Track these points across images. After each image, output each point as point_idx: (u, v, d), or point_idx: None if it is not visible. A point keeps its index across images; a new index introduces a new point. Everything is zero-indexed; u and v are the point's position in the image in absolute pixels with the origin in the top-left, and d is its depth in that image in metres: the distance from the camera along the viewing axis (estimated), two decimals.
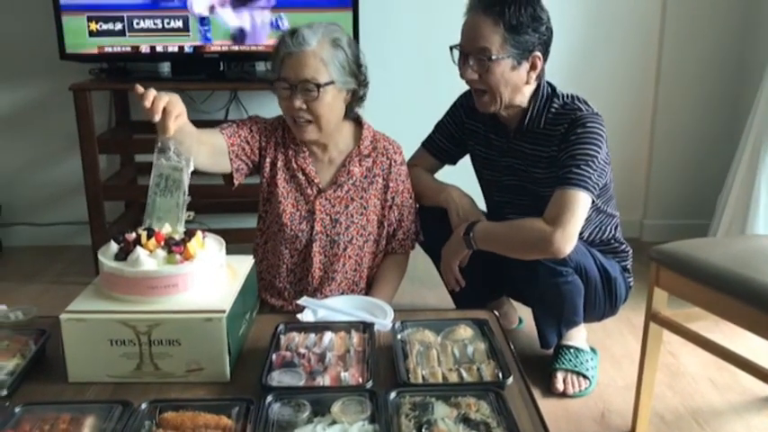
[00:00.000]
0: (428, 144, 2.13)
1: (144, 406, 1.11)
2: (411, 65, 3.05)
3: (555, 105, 1.87)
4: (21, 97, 3.06)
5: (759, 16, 2.98)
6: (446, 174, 2.14)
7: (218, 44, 2.72)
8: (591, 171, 1.77)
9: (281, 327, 1.39)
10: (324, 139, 1.82)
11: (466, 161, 2.14)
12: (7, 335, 1.36)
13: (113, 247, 1.32)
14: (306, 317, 1.52)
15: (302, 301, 1.58)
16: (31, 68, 3.00)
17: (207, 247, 1.35)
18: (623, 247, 2.06)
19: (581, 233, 1.80)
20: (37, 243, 3.20)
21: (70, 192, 3.08)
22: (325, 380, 1.21)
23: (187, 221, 1.40)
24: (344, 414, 1.09)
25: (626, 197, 2.93)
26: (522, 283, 2.00)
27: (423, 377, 1.23)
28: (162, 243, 1.30)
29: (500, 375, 1.22)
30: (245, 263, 1.47)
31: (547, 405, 1.91)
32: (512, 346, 1.39)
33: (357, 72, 1.79)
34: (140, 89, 1.43)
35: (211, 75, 2.80)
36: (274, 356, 1.27)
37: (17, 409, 1.11)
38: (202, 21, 2.68)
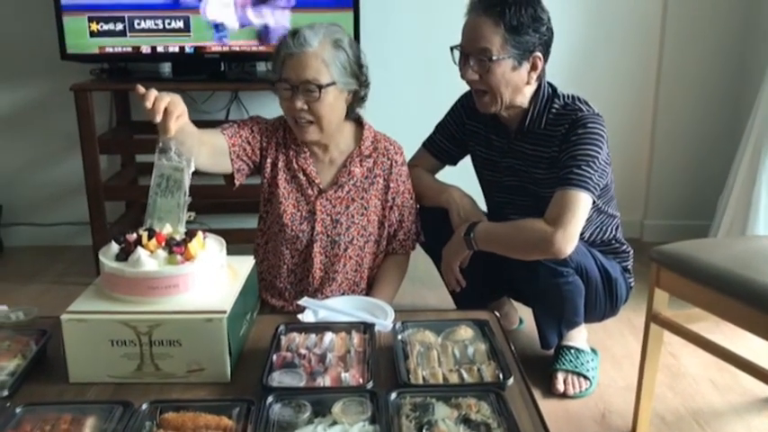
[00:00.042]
0: (429, 144, 2.13)
1: (145, 406, 1.11)
2: (411, 65, 3.06)
3: (556, 106, 1.87)
4: (22, 97, 3.07)
5: (759, 17, 2.98)
6: (447, 174, 2.14)
7: (219, 44, 2.72)
8: (592, 172, 1.77)
9: (282, 327, 1.39)
10: (325, 139, 1.82)
11: (466, 162, 2.14)
12: (8, 335, 1.37)
13: (114, 247, 1.32)
14: (306, 317, 1.53)
15: (303, 301, 1.58)
16: (32, 69, 3.01)
17: (208, 248, 1.35)
18: (624, 247, 2.06)
19: (582, 234, 1.80)
20: (38, 243, 3.20)
21: (71, 192, 3.09)
22: (325, 380, 1.21)
23: (188, 222, 1.40)
24: (345, 415, 1.09)
25: (627, 197, 2.93)
26: (522, 283, 2.00)
27: (423, 378, 1.23)
28: (163, 243, 1.30)
29: (501, 376, 1.22)
30: (246, 263, 1.47)
31: (547, 406, 1.91)
32: (512, 347, 1.39)
33: (358, 73, 1.79)
34: (142, 89, 1.43)
35: (212, 75, 2.80)
36: (275, 357, 1.27)
37: (18, 410, 1.11)
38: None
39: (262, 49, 2.72)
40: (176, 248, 1.29)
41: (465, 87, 1.94)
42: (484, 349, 1.32)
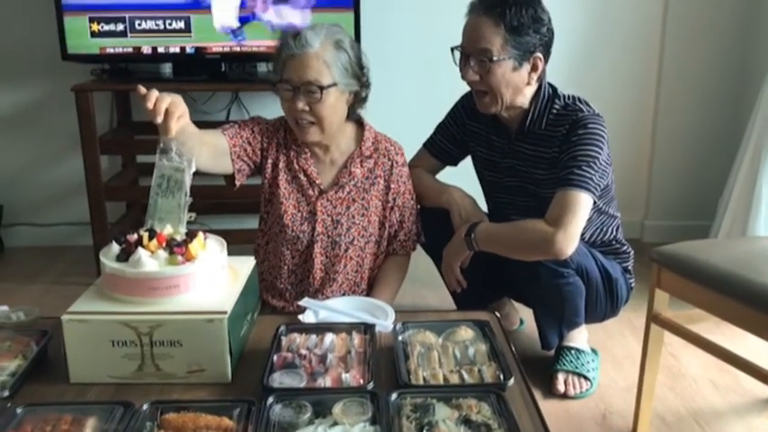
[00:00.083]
0: (429, 145, 2.13)
1: (145, 407, 1.11)
2: (412, 65, 3.06)
3: (556, 106, 1.87)
4: (23, 98, 3.07)
5: (760, 18, 2.98)
6: (447, 175, 2.14)
7: (220, 45, 2.72)
8: (592, 172, 1.77)
9: (283, 328, 1.39)
10: (326, 140, 1.83)
11: (467, 162, 2.14)
12: (9, 336, 1.37)
13: (115, 247, 1.32)
14: (307, 318, 1.53)
15: (303, 302, 1.58)
16: (33, 69, 3.01)
17: (208, 248, 1.36)
18: (624, 248, 2.06)
19: (582, 234, 1.80)
20: (38, 243, 3.20)
21: (72, 192, 3.09)
22: (326, 381, 1.21)
23: (189, 222, 1.40)
24: (346, 415, 1.09)
25: (627, 198, 2.93)
26: (523, 284, 2.00)
27: (424, 378, 1.23)
28: (163, 244, 1.30)
29: (501, 377, 1.22)
30: (247, 264, 1.47)
31: (548, 406, 1.91)
32: (513, 348, 1.39)
33: (359, 74, 1.79)
34: (143, 90, 1.43)
35: (213, 75, 2.80)
36: (275, 357, 1.27)
37: (19, 410, 1.11)
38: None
39: (263, 49, 2.72)
40: (177, 249, 1.29)
41: (465, 88, 1.94)
42: (484, 350, 1.32)
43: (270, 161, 1.86)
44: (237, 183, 1.83)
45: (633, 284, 2.06)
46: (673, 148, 3.20)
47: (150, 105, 1.41)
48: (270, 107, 2.58)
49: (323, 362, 1.26)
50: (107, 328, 1.23)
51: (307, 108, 1.74)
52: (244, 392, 1.20)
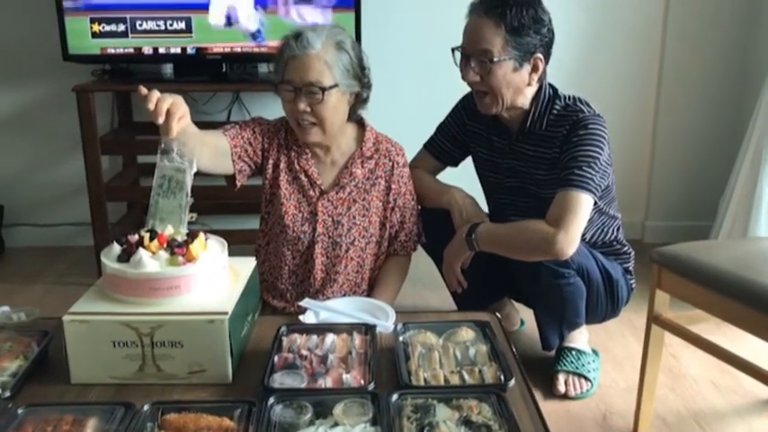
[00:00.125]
0: (430, 146, 2.13)
1: (146, 407, 1.11)
2: (412, 66, 3.06)
3: (557, 107, 1.87)
4: (24, 98, 3.07)
5: (761, 18, 2.98)
6: (448, 175, 2.14)
7: (221, 45, 2.72)
8: (593, 173, 1.77)
9: (283, 328, 1.39)
10: (327, 141, 1.83)
11: (468, 163, 2.14)
12: (10, 336, 1.37)
13: (116, 248, 1.32)
14: (308, 318, 1.53)
15: (304, 302, 1.59)
16: (34, 69, 3.01)
17: (209, 249, 1.36)
18: (625, 248, 2.06)
19: (583, 235, 1.80)
20: (39, 244, 3.20)
21: (73, 193, 3.09)
22: (326, 382, 1.21)
23: (190, 223, 1.40)
24: (346, 416, 1.09)
25: (628, 199, 2.93)
26: (523, 284, 2.00)
27: (424, 379, 1.23)
28: (164, 245, 1.31)
29: (502, 377, 1.22)
30: (248, 264, 1.47)
31: (548, 407, 1.91)
32: (513, 348, 1.39)
33: (361, 75, 1.79)
34: (144, 91, 1.43)
35: (214, 76, 2.80)
36: (276, 358, 1.27)
37: (20, 411, 1.11)
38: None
39: (263, 50, 2.72)
40: (178, 249, 1.29)
41: (466, 88, 1.94)
42: (485, 351, 1.32)
43: (271, 162, 1.86)
44: (238, 183, 1.83)
45: (634, 285, 2.06)
46: (673, 149, 3.20)
47: (151, 106, 1.41)
48: (271, 108, 2.58)
49: (324, 362, 1.26)
50: (108, 328, 1.23)
51: (308, 109, 1.74)
52: (244, 393, 1.20)
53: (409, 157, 2.03)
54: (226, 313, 1.24)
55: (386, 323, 1.47)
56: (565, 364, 2.02)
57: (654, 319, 1.74)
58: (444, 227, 1.96)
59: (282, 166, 1.86)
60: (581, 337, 2.09)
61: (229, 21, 2.68)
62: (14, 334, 1.38)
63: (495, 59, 1.77)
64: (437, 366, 1.27)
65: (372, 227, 1.89)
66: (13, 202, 3.16)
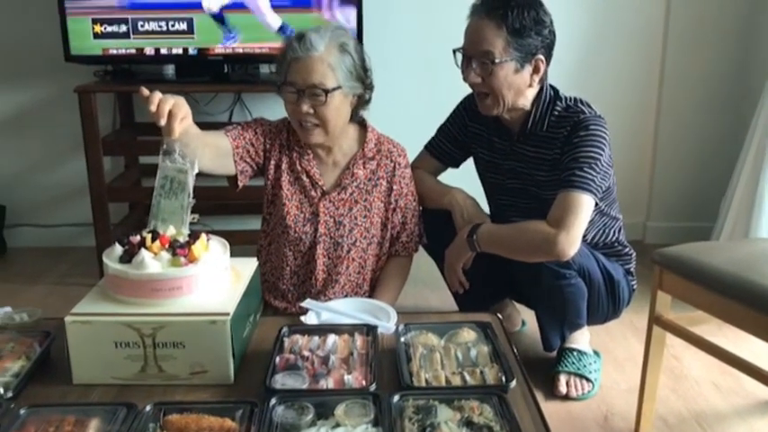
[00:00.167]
0: (431, 147, 2.13)
1: (148, 408, 1.11)
2: (413, 66, 3.06)
3: (558, 108, 1.87)
4: (25, 99, 3.07)
5: (762, 19, 2.98)
6: (449, 176, 2.14)
7: (222, 46, 2.72)
8: (594, 174, 1.77)
9: (285, 329, 1.39)
10: (329, 141, 1.83)
11: (469, 164, 2.14)
12: (12, 337, 1.37)
13: (118, 249, 1.32)
14: (309, 319, 1.53)
15: (306, 303, 1.59)
16: (36, 70, 3.01)
17: (211, 250, 1.36)
18: (626, 250, 2.06)
19: (584, 236, 1.80)
20: (41, 244, 3.21)
21: (75, 193, 3.10)
22: (328, 383, 1.21)
23: (191, 223, 1.40)
24: (348, 417, 1.09)
25: (629, 200, 2.93)
26: (525, 285, 2.00)
27: (426, 380, 1.23)
28: (166, 245, 1.31)
29: (503, 378, 1.22)
30: (249, 265, 1.48)
31: (550, 408, 1.91)
32: (515, 349, 1.39)
33: (363, 76, 1.79)
34: (146, 92, 1.43)
35: (215, 77, 2.80)
36: (278, 359, 1.28)
37: (22, 411, 1.12)
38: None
39: (265, 51, 2.72)
40: (180, 250, 1.29)
41: (466, 89, 1.94)
42: (486, 351, 1.32)
43: (272, 162, 1.86)
44: (240, 184, 1.84)
45: (635, 286, 2.06)
46: (675, 150, 3.20)
47: (153, 107, 1.42)
48: (272, 108, 2.58)
49: (325, 363, 1.26)
50: (110, 329, 1.23)
51: (311, 110, 1.74)
52: (246, 394, 1.20)
53: (410, 157, 2.03)
54: (227, 314, 1.24)
55: (387, 324, 1.47)
56: (566, 365, 2.02)
57: (655, 320, 1.74)
58: (445, 228, 1.96)
59: (284, 166, 1.86)
60: (582, 338, 2.09)
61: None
62: (17, 335, 1.38)
63: (497, 61, 1.77)
64: (438, 367, 1.27)
65: (374, 228, 1.89)
66: (15, 202, 3.16)
